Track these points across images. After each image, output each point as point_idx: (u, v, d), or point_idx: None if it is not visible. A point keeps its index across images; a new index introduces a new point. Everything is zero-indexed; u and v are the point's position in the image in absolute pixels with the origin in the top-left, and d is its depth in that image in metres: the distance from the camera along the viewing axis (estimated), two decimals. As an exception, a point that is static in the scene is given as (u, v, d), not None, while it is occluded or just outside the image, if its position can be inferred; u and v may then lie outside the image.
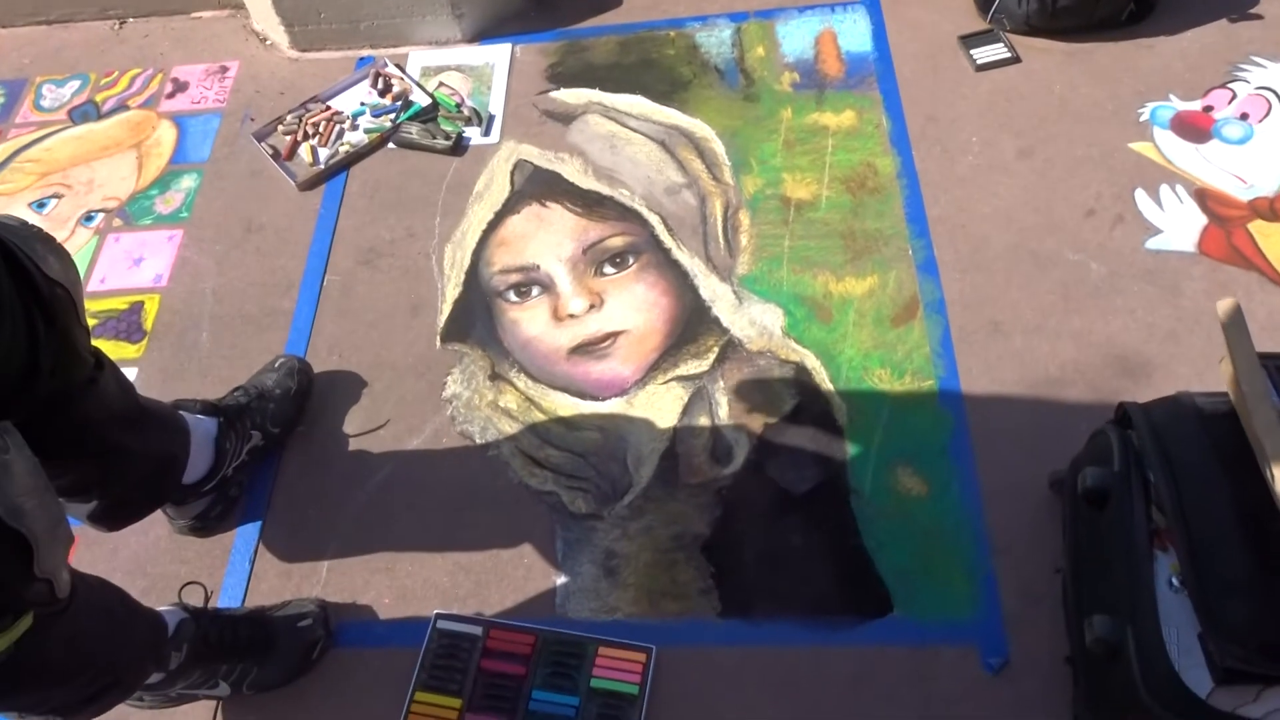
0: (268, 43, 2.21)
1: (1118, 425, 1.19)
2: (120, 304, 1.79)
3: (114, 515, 1.29)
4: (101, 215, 1.94)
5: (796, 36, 2.03)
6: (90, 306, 1.75)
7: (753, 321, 1.63)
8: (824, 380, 1.55)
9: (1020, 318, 1.58)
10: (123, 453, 1.23)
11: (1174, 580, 1.05)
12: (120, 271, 1.85)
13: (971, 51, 1.93)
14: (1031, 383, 1.51)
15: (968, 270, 1.64)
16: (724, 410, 1.54)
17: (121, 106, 2.14)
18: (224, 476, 1.46)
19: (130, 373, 1.67)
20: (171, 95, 2.14)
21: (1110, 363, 1.51)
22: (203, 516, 1.48)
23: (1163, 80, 1.85)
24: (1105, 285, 1.60)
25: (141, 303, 1.80)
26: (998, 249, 1.66)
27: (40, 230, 1.03)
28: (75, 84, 2.20)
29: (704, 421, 1.53)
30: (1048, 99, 1.85)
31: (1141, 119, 1.80)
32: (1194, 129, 1.78)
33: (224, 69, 2.18)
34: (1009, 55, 1.92)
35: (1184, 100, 1.82)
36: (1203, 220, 1.66)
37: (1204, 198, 1.68)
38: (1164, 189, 1.70)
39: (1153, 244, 1.64)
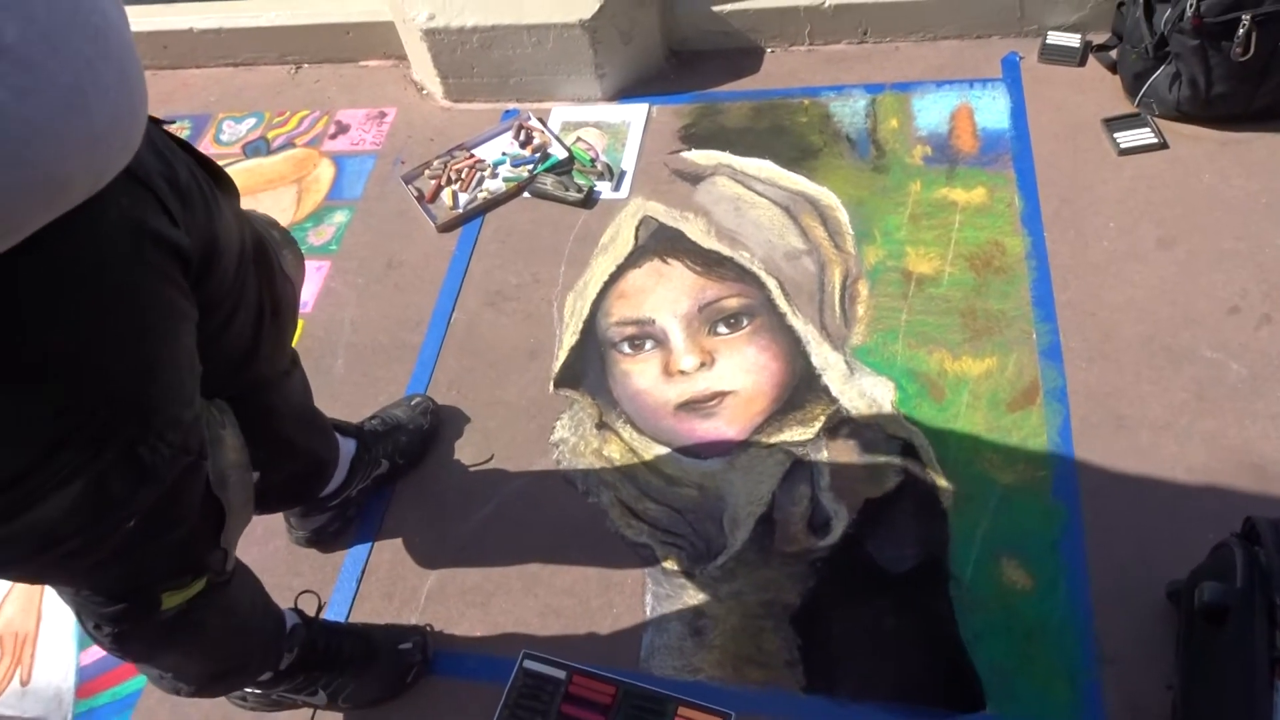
0: (424, 92, 2.36)
1: (1243, 539, 1.13)
2: (268, 326, 1.93)
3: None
4: (261, 243, 2.11)
5: (932, 111, 2.03)
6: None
7: (863, 393, 1.62)
8: (931, 460, 1.52)
9: (1148, 414, 1.51)
10: (289, 446, 1.28)
11: (1295, 715, 0.97)
12: (271, 296, 2.00)
13: (1115, 135, 1.88)
14: (1155, 484, 1.44)
15: (1095, 359, 1.59)
16: (825, 481, 1.53)
17: (289, 144, 2.32)
18: (348, 496, 1.54)
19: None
20: (334, 136, 2.32)
21: (1244, 471, 1.42)
22: (320, 531, 1.57)
23: (1326, 175, 1.75)
24: (1245, 387, 1.51)
25: (287, 326, 1.93)
26: (1129, 339, 1.60)
27: (282, 228, 1.10)
28: (251, 121, 2.41)
29: (804, 490, 1.53)
30: (1195, 188, 1.78)
31: (1299, 214, 1.71)
32: (1358, 229, 1.67)
33: (383, 114, 2.34)
34: (1155, 141, 1.85)
35: (1349, 197, 1.71)
36: (1362, 327, 1.55)
37: (1365, 303, 1.58)
38: (1320, 290, 1.61)
39: (1303, 348, 1.54)
